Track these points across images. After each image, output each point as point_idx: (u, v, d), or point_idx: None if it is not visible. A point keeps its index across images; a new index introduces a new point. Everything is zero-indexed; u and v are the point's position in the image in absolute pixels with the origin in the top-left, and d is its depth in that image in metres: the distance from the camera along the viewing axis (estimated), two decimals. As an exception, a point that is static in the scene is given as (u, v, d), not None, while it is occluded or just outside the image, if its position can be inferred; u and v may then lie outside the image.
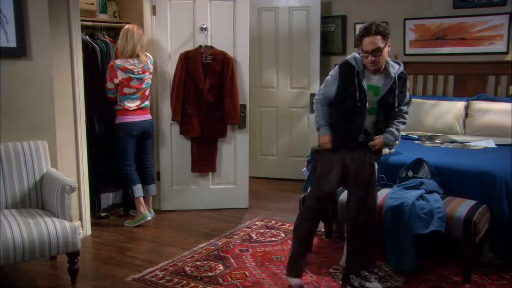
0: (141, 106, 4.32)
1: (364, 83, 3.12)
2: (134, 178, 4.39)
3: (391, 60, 3.23)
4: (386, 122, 3.25)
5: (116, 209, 4.71)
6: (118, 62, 4.21)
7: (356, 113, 3.16)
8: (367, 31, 3.07)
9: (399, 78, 3.18)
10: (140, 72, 4.24)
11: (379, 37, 3.04)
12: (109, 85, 4.25)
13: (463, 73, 5.23)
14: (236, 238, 4.06)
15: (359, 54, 3.17)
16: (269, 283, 3.25)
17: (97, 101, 4.36)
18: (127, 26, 4.29)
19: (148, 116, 4.42)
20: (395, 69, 3.20)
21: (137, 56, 4.22)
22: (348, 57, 3.24)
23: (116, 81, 4.21)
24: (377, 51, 3.04)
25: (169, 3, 4.60)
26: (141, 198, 4.40)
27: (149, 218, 4.41)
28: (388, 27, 3.16)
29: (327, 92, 3.26)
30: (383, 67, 3.16)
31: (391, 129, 3.24)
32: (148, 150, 4.54)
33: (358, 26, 5.68)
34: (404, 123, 3.32)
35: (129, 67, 4.19)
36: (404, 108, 3.31)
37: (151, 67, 4.37)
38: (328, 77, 3.30)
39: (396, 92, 3.16)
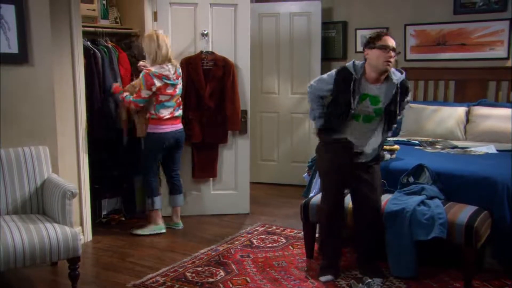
0: (174, 114, 4.25)
1: (359, 92, 3.12)
2: (156, 189, 4.35)
3: (394, 68, 3.23)
4: (386, 131, 3.28)
5: (117, 214, 4.70)
6: (153, 69, 4.10)
7: (346, 121, 3.18)
8: (385, 33, 3.16)
9: (402, 86, 3.18)
10: (175, 77, 4.19)
11: (393, 41, 3.13)
12: (145, 93, 4.09)
13: (463, 78, 5.23)
14: (237, 243, 4.06)
15: (364, 57, 3.17)
16: (270, 289, 3.24)
17: (99, 106, 4.37)
18: (151, 32, 4.26)
19: (180, 126, 4.33)
20: (397, 76, 3.19)
21: (169, 61, 4.18)
22: (347, 63, 3.23)
23: (154, 88, 4.09)
24: (395, 50, 3.08)
25: (170, 9, 4.62)
26: (159, 211, 4.37)
27: (164, 231, 4.34)
28: None
29: (319, 89, 3.29)
30: (384, 76, 3.16)
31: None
32: (177, 160, 4.45)
33: (359, 32, 5.77)
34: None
35: (164, 73, 4.12)
36: (401, 113, 3.37)
37: (181, 72, 4.35)
38: (324, 76, 3.30)
39: (398, 100, 3.16)
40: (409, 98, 3.32)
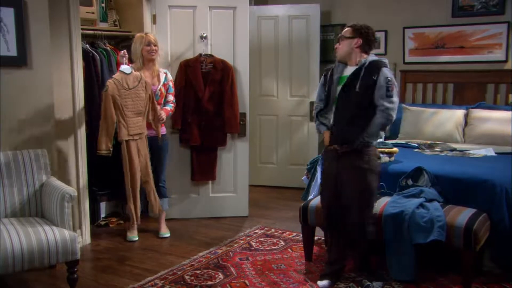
0: None
1: (336, 77, 3.29)
2: None
3: (377, 58, 3.24)
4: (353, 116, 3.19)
5: (115, 217, 4.70)
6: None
7: (330, 106, 3.35)
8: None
9: (370, 65, 3.16)
10: None
11: (350, 29, 3.28)
12: None
13: (462, 81, 5.24)
14: (236, 246, 4.05)
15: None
16: (269, 292, 3.24)
17: (98, 109, 4.36)
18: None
19: None
20: (370, 59, 3.22)
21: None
22: None
23: None
24: (339, 38, 3.31)
25: (169, 11, 4.62)
26: None
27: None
28: (370, 29, 3.29)
29: (318, 95, 3.47)
30: (357, 60, 3.24)
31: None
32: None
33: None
34: (381, 119, 3.11)
35: None
36: (381, 102, 3.09)
37: None
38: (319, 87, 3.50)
39: (360, 77, 3.14)
40: (379, 78, 3.10)
